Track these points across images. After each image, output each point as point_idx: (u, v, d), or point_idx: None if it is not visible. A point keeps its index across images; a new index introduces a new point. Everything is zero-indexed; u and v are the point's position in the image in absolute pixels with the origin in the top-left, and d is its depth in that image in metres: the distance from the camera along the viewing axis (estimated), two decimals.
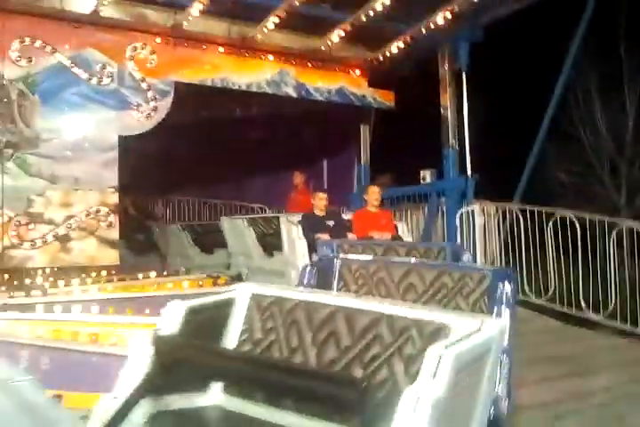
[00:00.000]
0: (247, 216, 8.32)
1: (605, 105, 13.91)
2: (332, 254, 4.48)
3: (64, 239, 6.53)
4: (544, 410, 4.30)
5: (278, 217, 7.36)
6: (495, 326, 2.20)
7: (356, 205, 9.64)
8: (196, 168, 9.93)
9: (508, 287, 3.32)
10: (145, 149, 8.14)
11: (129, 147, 7.18)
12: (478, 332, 2.15)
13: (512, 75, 8.84)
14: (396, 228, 7.26)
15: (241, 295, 2.77)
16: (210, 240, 8.81)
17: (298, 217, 6.96)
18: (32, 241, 6.34)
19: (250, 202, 11.09)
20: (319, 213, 7.07)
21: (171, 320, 2.41)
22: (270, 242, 7.36)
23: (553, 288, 7.06)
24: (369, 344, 2.45)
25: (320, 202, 7.07)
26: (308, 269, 3.88)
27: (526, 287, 7.34)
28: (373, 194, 7.12)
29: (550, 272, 7.11)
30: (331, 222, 6.94)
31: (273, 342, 2.68)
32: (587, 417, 4.18)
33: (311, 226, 6.69)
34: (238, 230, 7.80)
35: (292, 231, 6.70)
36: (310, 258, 6.27)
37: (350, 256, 4.13)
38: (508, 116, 8.95)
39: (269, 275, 6.67)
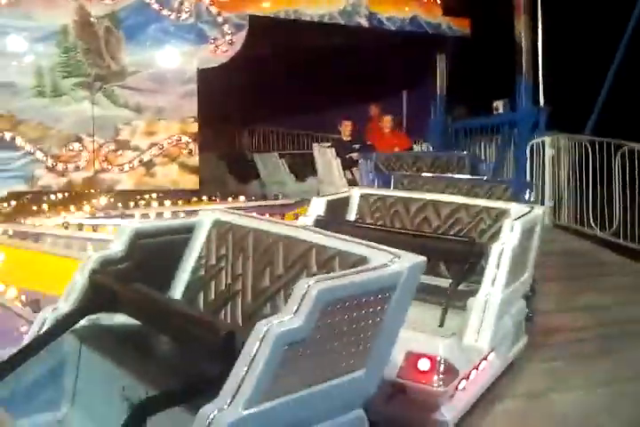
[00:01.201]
0: (278, 152, 9.82)
1: None
2: (370, 166, 6.26)
3: (149, 165, 7.20)
4: (570, 334, 4.52)
5: (309, 152, 8.79)
6: (539, 210, 3.60)
7: (433, 137, 9.80)
8: (280, 100, 10.23)
9: (527, 194, 4.78)
10: (232, 80, 8.59)
11: (215, 79, 7.65)
12: (531, 212, 3.45)
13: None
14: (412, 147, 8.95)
15: (354, 194, 4.13)
16: (244, 171, 9.71)
17: (328, 143, 8.36)
18: (120, 166, 7.05)
19: (331, 133, 11.35)
20: (346, 138, 8.58)
21: (319, 208, 3.77)
22: (301, 170, 8.89)
23: (617, 222, 7.03)
24: (453, 224, 3.78)
25: (346, 128, 8.57)
26: (377, 182, 5.48)
27: (592, 221, 7.35)
28: (387, 121, 8.86)
29: (615, 206, 7.07)
30: (357, 145, 8.32)
31: (381, 225, 3.88)
32: (607, 342, 4.37)
33: (341, 148, 8.02)
34: (271, 163, 9.26)
35: (326, 153, 7.94)
36: (345, 174, 7.76)
37: (403, 173, 5.72)
38: (587, 44, 8.59)
39: (302, 196, 7.85)
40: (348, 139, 8.53)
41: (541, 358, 4.01)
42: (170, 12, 7.17)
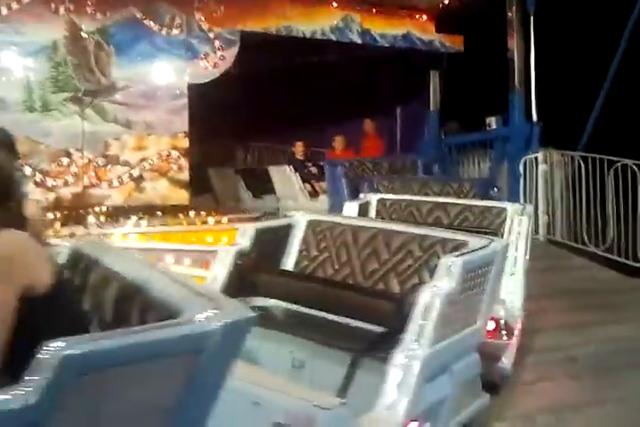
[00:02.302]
0: (235, 168, 10.19)
1: None
2: (340, 173, 7.02)
3: (138, 180, 7.14)
4: (560, 353, 4.46)
5: (265, 168, 9.22)
6: (530, 207, 4.32)
7: (425, 153, 9.74)
8: (273, 115, 10.21)
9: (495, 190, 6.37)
10: (224, 95, 8.56)
11: (207, 94, 7.63)
12: (525, 208, 4.17)
13: (583, 16, 8.42)
14: None
15: (372, 199, 4.71)
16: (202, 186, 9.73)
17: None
18: (109, 181, 6.99)
19: (325, 148, 11.29)
20: (300, 157, 9.36)
21: (352, 212, 4.37)
22: (258, 186, 9.13)
23: (611, 238, 6.98)
24: (462, 221, 4.48)
25: (298, 149, 9.37)
26: (366, 184, 6.08)
27: (585, 236, 7.29)
28: (339, 142, 9.30)
29: (609, 222, 7.02)
30: (309, 163, 9.18)
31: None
32: (597, 361, 4.30)
33: (297, 166, 8.65)
34: (228, 179, 9.71)
35: (285, 170, 8.49)
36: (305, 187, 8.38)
37: (382, 178, 6.71)
38: (580, 60, 8.59)
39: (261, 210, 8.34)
40: (301, 158, 9.33)
41: (530, 379, 3.94)
42: (161, 28, 7.16)
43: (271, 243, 3.25)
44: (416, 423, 2.76)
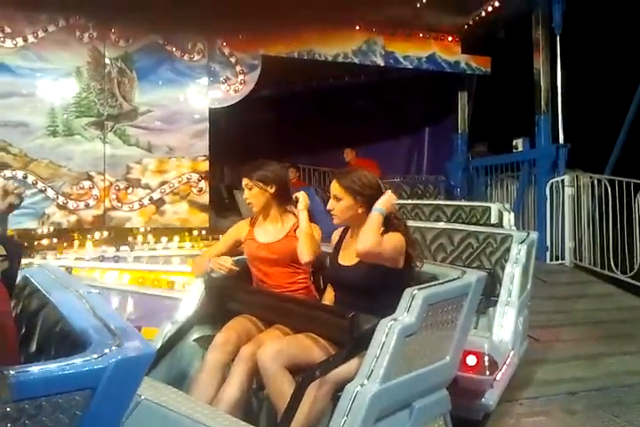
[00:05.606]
0: None
1: None
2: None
3: (159, 203, 7.24)
4: (562, 386, 4.27)
5: None
6: (534, 235, 4.32)
7: (453, 175, 9.62)
8: (303, 137, 10.24)
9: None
10: (246, 119, 8.65)
11: (228, 117, 7.71)
12: (529, 237, 4.21)
13: (609, 37, 8.19)
14: None
15: None
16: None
17: None
18: (130, 204, 7.11)
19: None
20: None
21: None
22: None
23: (638, 264, 6.71)
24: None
25: (291, 174, 8.78)
26: None
27: (612, 263, 7.03)
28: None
29: (636, 248, 6.76)
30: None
31: None
32: (601, 397, 4.10)
33: None
34: None
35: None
36: None
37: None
38: (607, 82, 8.34)
39: None
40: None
41: (519, 413, 3.78)
42: (182, 53, 7.29)
43: None
44: (513, 351, 3.81)
